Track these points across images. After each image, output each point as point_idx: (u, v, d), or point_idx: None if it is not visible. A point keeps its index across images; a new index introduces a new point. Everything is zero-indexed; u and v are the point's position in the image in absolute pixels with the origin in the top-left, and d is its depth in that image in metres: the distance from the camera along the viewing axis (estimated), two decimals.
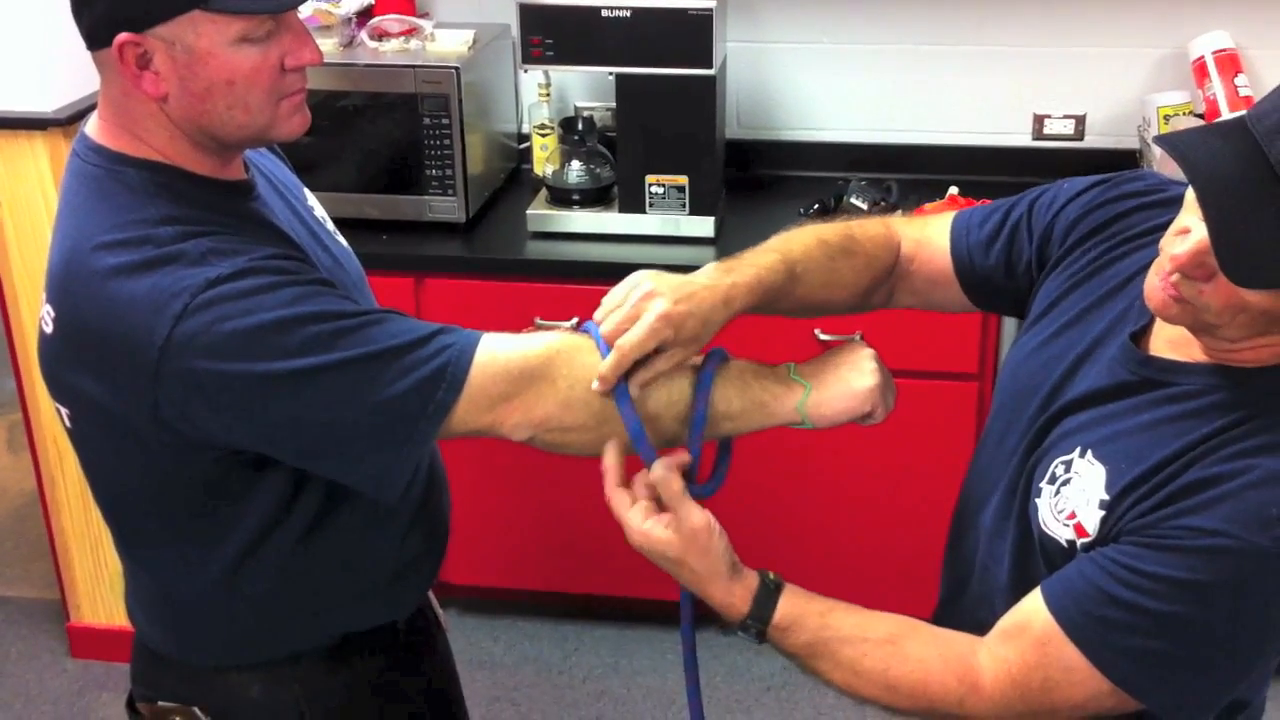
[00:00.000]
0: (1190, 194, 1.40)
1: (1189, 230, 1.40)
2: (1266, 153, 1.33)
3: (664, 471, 1.56)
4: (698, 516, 1.57)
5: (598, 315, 1.60)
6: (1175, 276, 1.42)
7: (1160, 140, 1.40)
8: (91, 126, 1.64)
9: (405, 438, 1.54)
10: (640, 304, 1.56)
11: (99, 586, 3.53)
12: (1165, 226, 1.48)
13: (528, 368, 1.57)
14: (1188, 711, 1.50)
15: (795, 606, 1.59)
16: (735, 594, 1.59)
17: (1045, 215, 1.76)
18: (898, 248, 1.85)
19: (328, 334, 1.51)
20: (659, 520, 1.57)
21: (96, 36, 1.54)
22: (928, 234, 1.86)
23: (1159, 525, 1.45)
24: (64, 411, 1.67)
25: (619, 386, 1.57)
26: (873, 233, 1.82)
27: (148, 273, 1.50)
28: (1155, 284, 1.46)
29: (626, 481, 1.60)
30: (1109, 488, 1.51)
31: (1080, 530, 1.53)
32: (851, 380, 1.65)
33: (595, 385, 1.56)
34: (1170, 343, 1.54)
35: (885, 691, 1.57)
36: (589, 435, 1.60)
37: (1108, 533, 1.50)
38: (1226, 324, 1.42)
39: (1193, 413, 1.48)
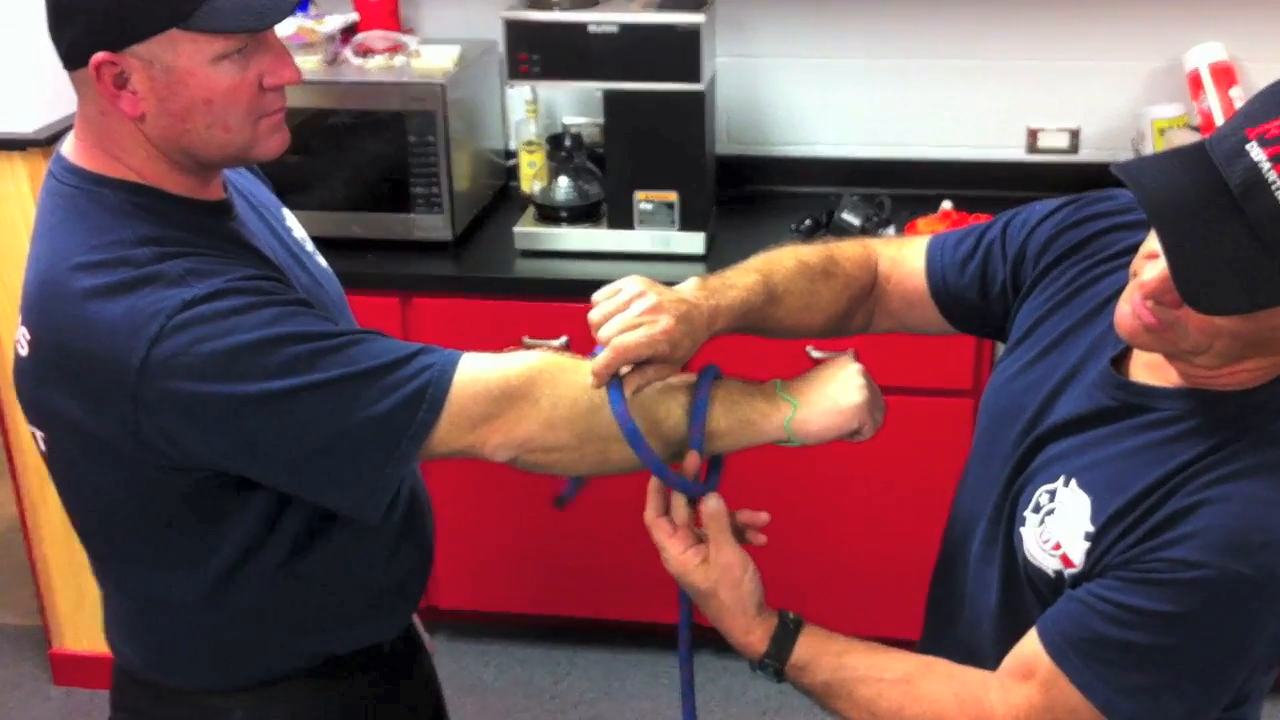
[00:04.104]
0: None
1: (1157, 255, 1.37)
2: (1225, 177, 1.31)
3: (718, 505, 1.61)
4: (733, 552, 1.61)
5: (593, 315, 1.59)
6: (1150, 303, 1.40)
7: (1116, 168, 1.38)
8: (68, 147, 1.64)
9: (386, 458, 1.54)
10: (645, 315, 1.55)
11: (81, 613, 3.52)
12: (1140, 245, 1.47)
13: (509, 388, 1.56)
14: None
15: (812, 647, 1.62)
16: (754, 633, 1.63)
17: (1018, 237, 1.77)
18: (875, 268, 1.86)
19: (307, 354, 1.50)
20: (698, 553, 1.61)
21: (74, 56, 1.53)
22: (904, 254, 1.87)
23: (1142, 559, 1.44)
24: (39, 435, 1.66)
25: (613, 392, 1.55)
26: (851, 254, 1.84)
27: (125, 294, 1.49)
28: (1125, 311, 1.45)
29: (667, 508, 1.64)
30: (1094, 519, 1.50)
31: (1066, 561, 1.53)
32: (838, 397, 1.65)
33: (590, 380, 1.55)
34: (1149, 367, 1.54)
35: None
36: (572, 455, 1.60)
37: (1093, 565, 1.50)
38: (1204, 350, 1.40)
39: (1172, 439, 1.48)
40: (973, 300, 1.81)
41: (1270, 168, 1.28)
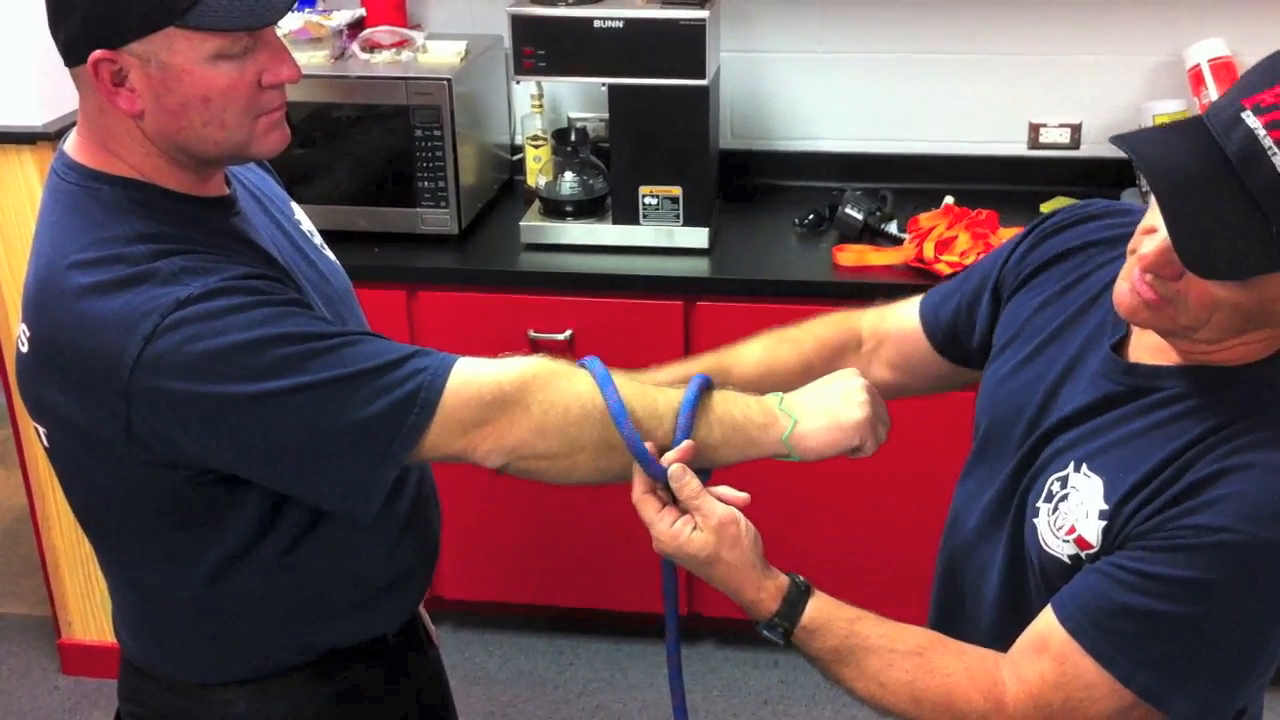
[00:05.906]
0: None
1: (1155, 229, 1.39)
2: (1223, 146, 1.32)
3: (679, 471, 1.56)
4: (722, 509, 1.56)
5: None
6: (1149, 277, 1.41)
7: (1117, 139, 1.39)
8: (70, 144, 1.63)
9: (376, 460, 1.53)
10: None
11: (90, 603, 3.52)
12: (1130, 237, 1.48)
13: (501, 393, 1.55)
14: (1208, 715, 1.47)
15: (824, 611, 1.59)
16: (766, 590, 1.59)
17: (999, 258, 1.80)
18: (857, 326, 1.92)
19: (299, 355, 1.49)
20: (687, 522, 1.57)
21: (72, 53, 1.52)
22: (896, 306, 1.93)
23: (1164, 527, 1.43)
24: (41, 431, 1.66)
25: (593, 361, 1.59)
26: (827, 318, 1.93)
27: (119, 292, 1.49)
28: (1124, 288, 1.46)
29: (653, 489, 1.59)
30: (1108, 497, 1.49)
31: (1082, 543, 1.51)
32: (840, 413, 1.63)
33: (582, 387, 1.57)
34: (1149, 349, 1.54)
35: (910, 704, 1.56)
36: (563, 463, 1.58)
37: (1111, 542, 1.49)
38: (1203, 324, 1.41)
39: (1181, 416, 1.47)
40: (962, 326, 1.82)
41: (1266, 134, 1.29)
